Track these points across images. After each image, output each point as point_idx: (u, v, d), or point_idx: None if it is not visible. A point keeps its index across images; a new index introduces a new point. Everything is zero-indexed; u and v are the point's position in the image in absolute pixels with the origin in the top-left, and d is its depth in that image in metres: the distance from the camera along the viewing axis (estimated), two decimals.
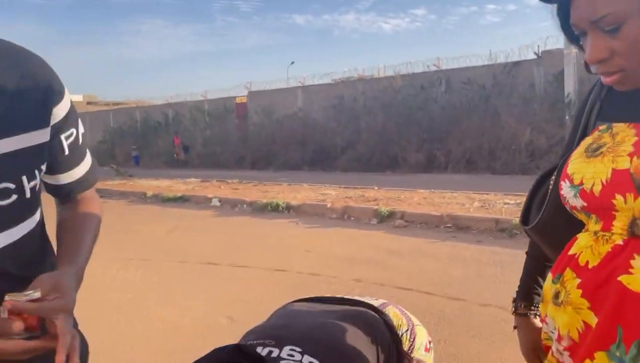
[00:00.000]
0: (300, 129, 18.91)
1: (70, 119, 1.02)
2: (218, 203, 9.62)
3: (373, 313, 1.35)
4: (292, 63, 55.19)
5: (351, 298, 1.45)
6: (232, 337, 3.56)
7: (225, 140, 21.09)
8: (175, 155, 21.57)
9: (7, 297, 0.77)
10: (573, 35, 0.91)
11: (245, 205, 9.12)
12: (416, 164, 14.79)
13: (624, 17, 0.81)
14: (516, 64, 14.84)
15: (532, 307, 1.18)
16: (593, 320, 0.88)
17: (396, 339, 1.34)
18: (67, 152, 1.03)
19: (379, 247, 5.75)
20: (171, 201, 10.39)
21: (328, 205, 8.09)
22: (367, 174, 14.37)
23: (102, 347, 3.32)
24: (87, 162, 1.11)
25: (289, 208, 8.47)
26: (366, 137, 16.58)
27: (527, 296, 1.18)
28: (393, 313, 1.42)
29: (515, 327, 1.22)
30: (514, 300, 1.21)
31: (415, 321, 1.46)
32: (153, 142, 24.11)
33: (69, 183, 1.06)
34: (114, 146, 25.89)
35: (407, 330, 1.40)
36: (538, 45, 14.51)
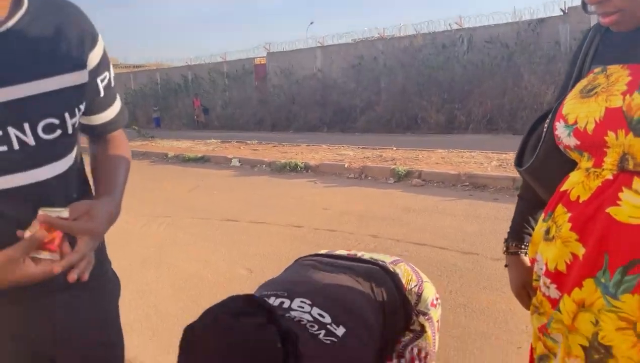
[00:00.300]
0: (320, 90, 18.78)
1: (104, 63, 1.11)
2: (238, 164, 9.75)
3: (382, 271, 1.41)
4: (312, 23, 54.33)
5: (362, 257, 1.50)
6: (251, 287, 3.72)
7: (245, 102, 21.09)
8: (195, 117, 21.68)
9: (40, 211, 0.86)
10: None
11: (264, 166, 9.24)
12: (436, 124, 14.65)
13: None
14: (541, 21, 14.38)
15: (523, 246, 1.23)
16: (581, 252, 0.94)
17: (404, 298, 1.39)
18: (102, 94, 1.12)
19: (396, 204, 5.82)
20: (192, 161, 10.56)
21: (346, 165, 8.14)
22: (386, 135, 14.30)
23: (129, 296, 3.51)
24: (117, 104, 1.20)
25: (307, 168, 8.55)
26: (386, 97, 16.42)
27: (518, 235, 1.23)
28: (404, 269, 1.46)
29: (506, 266, 1.27)
30: (506, 240, 1.26)
31: (425, 278, 1.49)
32: (173, 104, 24.24)
33: (102, 123, 1.15)
34: (135, 108, 26.09)
35: (416, 285, 1.44)
36: (564, 1, 14.03)
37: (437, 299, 1.48)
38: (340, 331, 1.16)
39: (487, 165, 7.34)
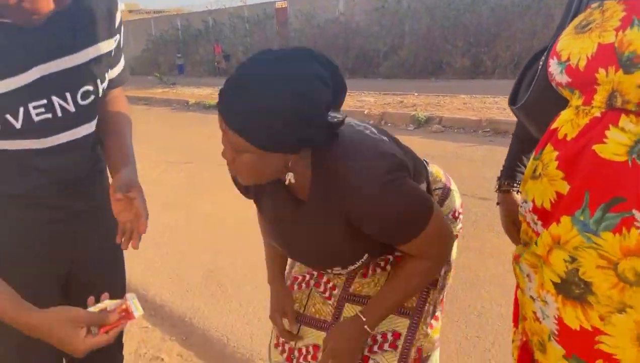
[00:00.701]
0: (342, 34, 18.33)
1: (120, 26, 1.20)
2: None
3: (420, 160, 1.30)
4: None
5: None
6: None
7: (266, 47, 20.73)
8: (216, 63, 21.50)
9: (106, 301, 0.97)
10: None
11: None
12: (461, 69, 14.25)
13: None
14: None
15: (515, 184, 1.24)
16: (565, 189, 0.94)
17: (430, 189, 1.29)
18: (113, 53, 1.19)
19: (414, 151, 5.78)
20: (213, 108, 10.58)
21: (365, 112, 8.07)
22: (409, 80, 14.02)
23: (148, 237, 3.64)
24: (122, 63, 1.27)
25: None
26: (409, 41, 15.96)
27: (510, 173, 1.24)
28: (435, 170, 1.34)
29: (498, 204, 1.29)
30: (498, 178, 1.27)
31: (454, 186, 1.36)
32: (194, 50, 24.04)
33: (108, 80, 1.22)
34: (157, 55, 26.00)
35: (441, 189, 1.31)
36: None
37: (459, 213, 1.35)
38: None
39: (509, 111, 7.17)
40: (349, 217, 1.04)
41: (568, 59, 0.94)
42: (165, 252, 3.42)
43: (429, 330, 1.26)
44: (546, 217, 0.98)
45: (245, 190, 1.25)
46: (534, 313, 1.05)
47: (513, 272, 1.12)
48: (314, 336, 1.32)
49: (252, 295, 2.80)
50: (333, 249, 1.12)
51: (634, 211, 0.86)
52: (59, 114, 1.05)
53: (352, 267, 1.16)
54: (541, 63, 1.06)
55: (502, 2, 14.67)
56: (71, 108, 1.07)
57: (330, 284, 1.31)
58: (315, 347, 1.31)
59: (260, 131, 0.92)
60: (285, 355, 1.38)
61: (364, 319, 1.16)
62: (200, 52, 23.51)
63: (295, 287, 1.39)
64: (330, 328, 1.25)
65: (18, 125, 1.00)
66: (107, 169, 1.24)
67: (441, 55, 14.83)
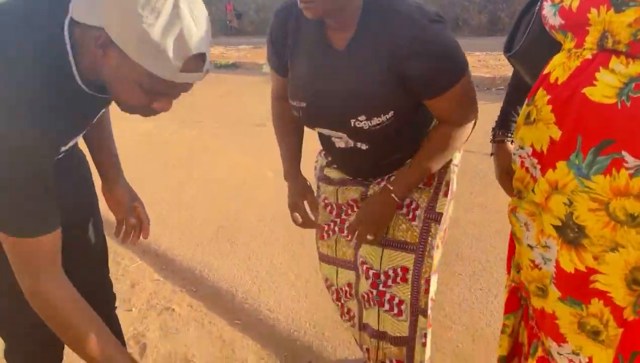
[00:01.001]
0: None
1: None
2: (268, 70, 9.65)
3: None
4: None
5: None
6: (276, 188, 3.82)
7: (279, 6, 20.40)
8: (227, 22, 21.22)
9: None
10: None
11: None
12: (478, 26, 13.91)
13: None
14: None
15: (509, 134, 1.24)
16: (557, 134, 0.95)
17: None
18: None
19: None
20: (223, 68, 10.53)
21: None
22: None
23: (162, 193, 3.71)
24: None
25: None
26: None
27: (504, 124, 1.24)
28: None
29: (491, 154, 1.29)
30: (493, 129, 1.27)
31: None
32: (207, 9, 23.74)
33: None
34: None
35: None
36: None
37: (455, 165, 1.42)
38: None
39: None
40: (392, 59, 1.12)
41: (561, 0, 0.92)
42: (177, 209, 3.49)
43: (432, 261, 1.36)
44: (544, 161, 0.99)
45: (281, 55, 1.32)
46: (532, 261, 1.07)
47: (509, 222, 1.14)
48: (348, 276, 1.51)
49: (260, 249, 2.86)
50: (365, 95, 1.17)
51: (623, 152, 0.86)
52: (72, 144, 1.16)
53: (375, 121, 1.19)
54: (537, 8, 1.04)
55: None
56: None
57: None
58: (349, 284, 1.52)
59: None
60: (334, 296, 1.62)
61: (391, 188, 1.28)
62: (212, 11, 23.12)
63: (325, 235, 1.55)
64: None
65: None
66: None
67: (457, 12, 14.44)
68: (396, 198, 1.28)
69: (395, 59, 1.12)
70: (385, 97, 1.17)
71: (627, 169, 0.86)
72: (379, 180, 1.40)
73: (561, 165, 0.94)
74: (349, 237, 1.44)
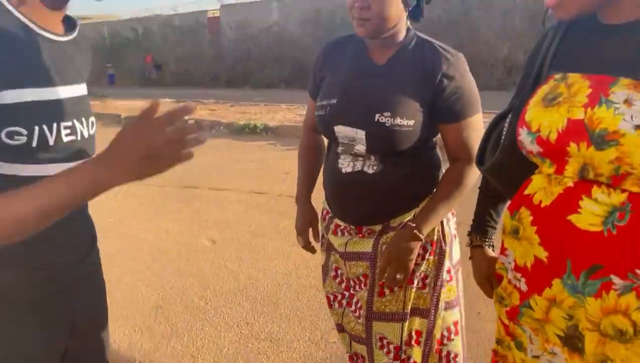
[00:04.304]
0: (277, 44, 18.36)
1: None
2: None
3: None
4: None
5: None
6: (214, 258, 3.66)
7: (199, 57, 20.42)
8: (147, 73, 20.85)
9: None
10: None
11: (222, 127, 9.07)
12: None
13: None
14: None
15: (487, 239, 1.27)
16: (543, 254, 0.98)
17: None
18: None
19: None
20: None
21: None
22: None
23: None
24: None
25: (266, 129, 8.46)
26: None
27: (481, 229, 1.27)
28: None
29: (470, 258, 1.32)
30: (469, 234, 1.30)
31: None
32: (124, 60, 23.22)
33: None
34: None
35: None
36: None
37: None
38: None
39: None
40: (428, 78, 1.32)
41: (538, 130, 0.97)
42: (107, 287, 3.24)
43: (443, 323, 1.45)
44: (529, 276, 1.02)
45: (320, 68, 1.51)
46: None
47: (510, 338, 1.14)
48: (359, 348, 1.55)
49: (204, 332, 2.71)
50: (395, 96, 1.33)
51: (612, 276, 0.91)
52: (79, 137, 1.04)
53: (398, 121, 1.31)
54: (505, 127, 1.09)
55: (430, 15, 15.18)
56: (86, 134, 1.07)
57: (359, 304, 1.50)
58: (362, 356, 1.57)
59: None
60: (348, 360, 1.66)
61: (414, 225, 1.35)
62: (130, 62, 22.73)
63: (335, 305, 1.61)
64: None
65: (52, 141, 0.97)
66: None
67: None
68: (420, 234, 1.35)
69: (430, 78, 1.31)
70: (413, 104, 1.32)
71: (615, 290, 0.91)
72: (382, 232, 1.44)
73: (556, 282, 0.97)
74: (358, 314, 1.51)
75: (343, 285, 1.57)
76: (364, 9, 1.27)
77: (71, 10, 1.10)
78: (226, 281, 3.22)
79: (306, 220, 1.64)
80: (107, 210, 4.77)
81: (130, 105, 12.69)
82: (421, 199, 1.43)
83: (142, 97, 13.95)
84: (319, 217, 1.65)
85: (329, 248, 1.59)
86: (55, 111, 0.98)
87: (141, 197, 5.13)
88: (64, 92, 1.00)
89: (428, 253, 1.42)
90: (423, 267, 1.43)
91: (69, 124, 1.02)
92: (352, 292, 1.54)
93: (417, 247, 1.37)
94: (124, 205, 4.89)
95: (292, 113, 9.86)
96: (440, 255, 1.44)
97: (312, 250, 1.67)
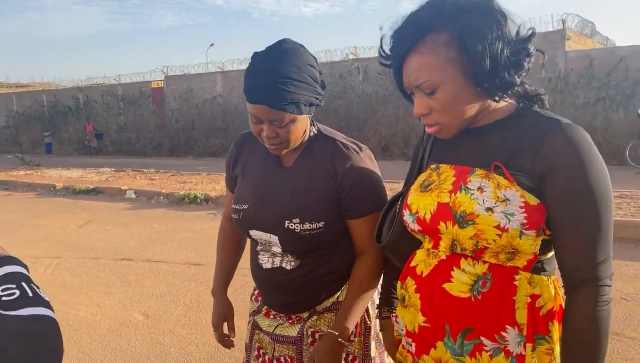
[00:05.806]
0: (220, 115, 18.70)
1: None
2: (133, 196, 9.39)
3: None
4: (212, 45, 53.43)
5: None
6: (147, 333, 3.63)
7: (142, 127, 20.39)
8: (86, 142, 20.50)
9: None
10: (406, 94, 1.14)
11: (162, 197, 9.00)
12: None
13: (437, 84, 1.04)
14: None
15: (393, 310, 1.40)
16: (422, 319, 1.12)
17: None
18: None
19: None
20: (83, 193, 10.01)
21: None
22: None
23: None
24: None
25: (207, 199, 8.47)
26: None
27: (387, 301, 1.40)
28: None
29: (381, 330, 1.44)
30: (379, 306, 1.43)
31: None
32: (63, 128, 22.82)
33: None
34: (19, 132, 24.23)
35: None
36: None
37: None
38: None
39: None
40: (330, 177, 1.37)
41: (417, 212, 1.15)
42: None
43: None
44: (418, 340, 1.15)
45: (234, 165, 1.54)
46: None
47: None
48: None
49: None
50: (302, 201, 1.37)
51: (482, 338, 1.06)
52: None
53: (307, 226, 1.35)
54: (397, 209, 1.26)
55: (367, 90, 16.13)
56: None
57: None
58: None
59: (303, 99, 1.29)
60: None
61: (336, 333, 1.35)
62: (70, 130, 22.35)
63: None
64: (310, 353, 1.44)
65: None
66: None
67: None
68: (342, 341, 1.35)
69: (333, 176, 1.36)
70: (321, 205, 1.36)
71: (486, 351, 1.06)
72: (309, 317, 1.46)
73: (440, 344, 1.11)
74: None
75: None
76: (272, 138, 1.30)
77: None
78: (158, 356, 3.17)
79: (221, 314, 1.60)
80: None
81: (67, 175, 12.39)
82: (343, 283, 1.45)
83: (79, 167, 13.68)
84: (251, 297, 1.64)
85: (254, 327, 1.59)
86: None
87: (74, 269, 4.99)
88: None
89: (353, 335, 1.44)
90: (350, 349, 1.46)
91: None
92: None
93: (341, 352, 1.38)
94: (54, 279, 4.74)
95: None
96: (366, 333, 1.47)
97: (229, 345, 1.61)
